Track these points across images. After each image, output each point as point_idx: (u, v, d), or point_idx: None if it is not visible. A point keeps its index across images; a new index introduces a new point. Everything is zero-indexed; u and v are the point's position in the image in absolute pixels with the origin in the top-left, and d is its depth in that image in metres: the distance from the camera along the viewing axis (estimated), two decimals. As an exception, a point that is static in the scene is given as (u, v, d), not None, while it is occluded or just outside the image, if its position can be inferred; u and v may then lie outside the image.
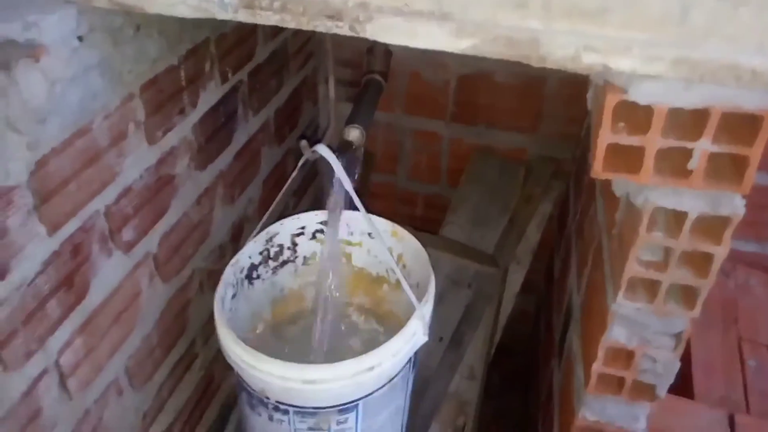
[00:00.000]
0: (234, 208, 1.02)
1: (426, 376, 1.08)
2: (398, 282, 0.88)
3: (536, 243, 1.18)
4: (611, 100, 0.52)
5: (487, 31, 0.52)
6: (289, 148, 1.21)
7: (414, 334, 0.72)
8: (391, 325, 0.94)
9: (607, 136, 0.54)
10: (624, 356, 0.68)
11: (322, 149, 0.69)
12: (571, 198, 1.12)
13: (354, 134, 0.78)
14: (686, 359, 0.92)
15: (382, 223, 0.85)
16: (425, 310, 0.75)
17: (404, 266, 0.86)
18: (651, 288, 0.61)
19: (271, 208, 0.81)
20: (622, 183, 0.64)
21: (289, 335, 0.93)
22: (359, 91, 0.90)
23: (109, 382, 0.76)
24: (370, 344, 0.81)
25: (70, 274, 0.66)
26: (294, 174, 0.78)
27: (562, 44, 0.51)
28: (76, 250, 0.67)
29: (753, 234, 1.08)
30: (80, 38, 0.62)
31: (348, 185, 0.71)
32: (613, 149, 0.54)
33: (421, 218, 1.44)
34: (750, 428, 0.80)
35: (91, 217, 0.68)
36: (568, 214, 1.13)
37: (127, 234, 0.75)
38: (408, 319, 0.73)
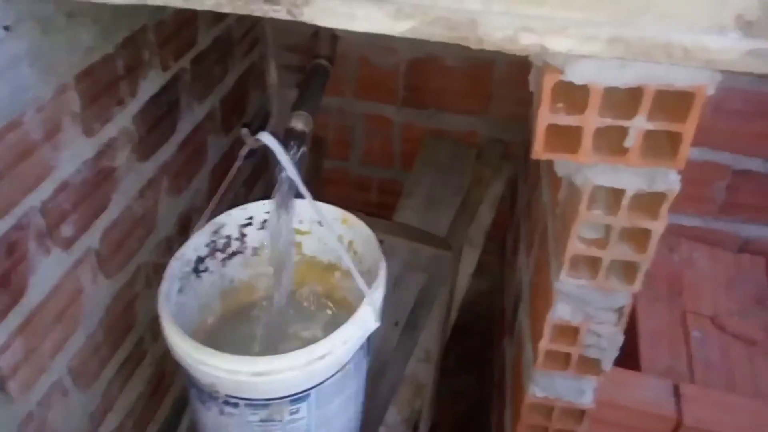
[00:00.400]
0: (180, 199, 1.00)
1: (383, 360, 1.08)
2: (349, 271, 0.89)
3: (489, 224, 1.19)
4: (549, 81, 0.53)
5: (425, 12, 0.52)
6: (237, 137, 1.18)
7: (365, 321, 0.72)
8: (344, 312, 0.94)
9: (546, 116, 0.54)
10: (569, 332, 0.69)
11: (265, 137, 0.67)
12: (520, 179, 1.13)
13: (299, 121, 0.77)
14: (632, 332, 0.94)
15: (332, 211, 0.85)
16: (375, 295, 0.75)
17: (355, 253, 0.86)
18: (593, 265, 0.62)
19: (214, 199, 0.80)
20: (563, 163, 0.65)
21: (241, 327, 0.92)
22: (305, 77, 0.89)
23: (52, 383, 0.74)
24: (324, 333, 0.81)
25: (5, 274, 0.64)
26: (237, 164, 0.77)
27: (499, 25, 0.51)
28: (11, 249, 0.64)
29: (696, 209, 1.12)
30: (6, 28, 0.59)
31: (293, 173, 0.70)
32: (553, 130, 0.55)
33: (376, 204, 1.44)
34: (694, 397, 0.83)
35: (26, 214, 0.66)
36: (518, 195, 1.14)
37: (66, 230, 0.73)
38: (356, 300, 0.72)
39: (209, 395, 0.70)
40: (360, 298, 0.79)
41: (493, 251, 1.37)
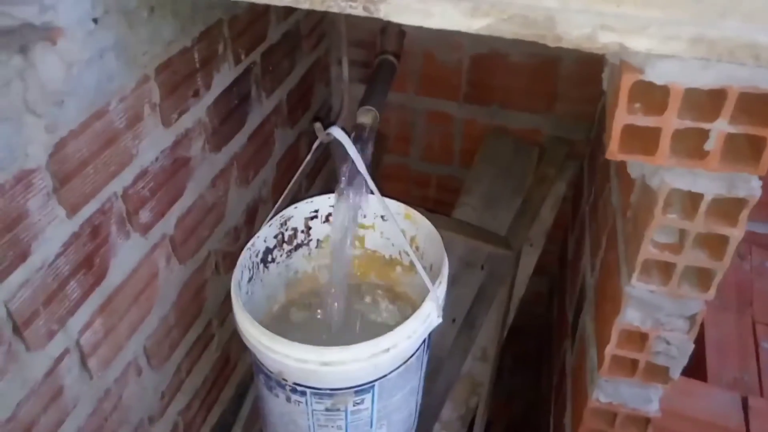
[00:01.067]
0: (248, 190, 1.02)
1: (439, 357, 1.09)
2: (411, 264, 0.89)
3: (550, 225, 1.18)
4: (627, 80, 0.52)
5: (502, 10, 0.52)
6: (302, 130, 1.21)
7: (428, 316, 0.73)
8: (404, 307, 0.95)
9: (622, 116, 0.53)
10: (638, 338, 0.68)
11: (336, 131, 0.69)
12: (585, 179, 1.11)
13: (367, 116, 0.78)
14: (700, 341, 0.91)
15: (395, 206, 0.86)
16: (439, 291, 0.75)
17: (417, 248, 0.87)
18: (665, 270, 0.61)
19: (286, 192, 0.82)
20: (637, 164, 0.64)
21: (303, 317, 0.94)
22: (372, 72, 0.90)
23: (128, 362, 0.78)
24: (384, 327, 0.82)
25: (89, 256, 0.67)
26: (309, 157, 0.78)
27: (578, 23, 0.50)
28: (95, 232, 0.68)
29: (769, 216, 1.07)
30: (95, 20, 0.62)
31: (362, 168, 0.71)
32: (629, 130, 0.54)
33: (434, 200, 1.44)
34: (764, 411, 0.80)
35: (109, 199, 0.69)
36: (582, 196, 1.13)
37: (144, 216, 0.76)
38: (422, 301, 0.73)
39: (277, 382, 0.72)
40: (420, 293, 0.80)
41: (552, 252, 1.35)
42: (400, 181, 1.43)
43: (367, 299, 0.97)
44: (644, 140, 0.54)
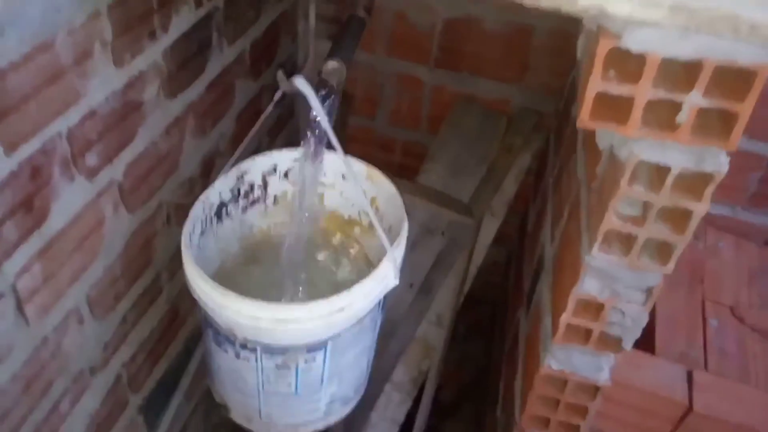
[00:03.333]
0: (205, 141, 0.98)
1: (394, 319, 1.08)
2: (371, 225, 0.88)
3: (512, 195, 1.17)
4: (604, 46, 0.50)
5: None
6: (265, 83, 1.17)
7: (385, 277, 0.71)
8: (362, 267, 0.93)
9: (596, 83, 0.52)
10: (594, 308, 0.68)
11: (300, 81, 0.65)
12: (550, 152, 1.11)
13: (333, 69, 0.75)
14: (651, 315, 0.93)
15: (358, 165, 0.83)
16: (397, 253, 0.74)
17: (377, 209, 0.85)
18: (627, 242, 0.61)
19: (243, 143, 0.78)
20: (606, 135, 0.63)
21: (256, 273, 0.91)
22: (340, 27, 0.86)
23: (68, 310, 0.74)
24: (340, 286, 0.80)
25: (28, 197, 0.63)
26: (270, 108, 0.75)
27: (559, -18, 0.48)
28: (36, 173, 0.63)
29: (726, 197, 1.09)
30: (41, -57, 0.57)
31: (325, 122, 0.68)
32: (602, 98, 0.52)
33: (399, 165, 1.42)
34: (707, 385, 0.82)
35: (52, 138, 0.65)
36: (546, 168, 1.12)
37: (91, 159, 0.72)
38: (379, 262, 0.71)
39: (226, 338, 0.70)
40: (378, 255, 0.79)
41: (512, 223, 1.35)
42: (365, 144, 1.40)
43: (323, 257, 0.95)
44: (616, 109, 0.53)
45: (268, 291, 0.90)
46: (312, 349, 0.71)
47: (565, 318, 0.69)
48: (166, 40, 0.81)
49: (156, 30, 0.79)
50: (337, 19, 1.23)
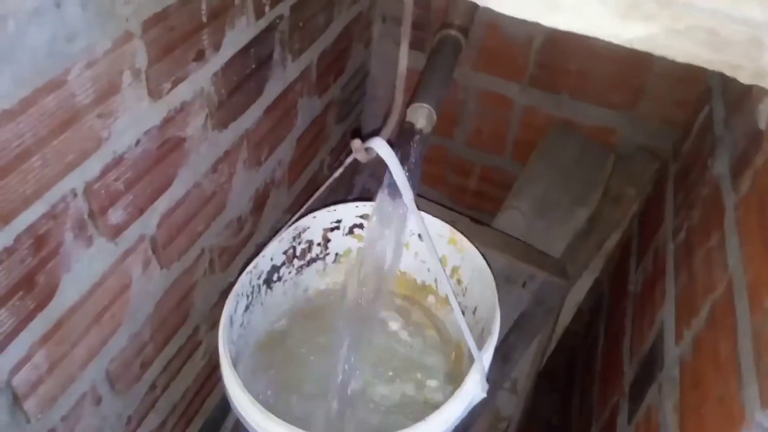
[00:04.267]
0: (259, 173, 0.84)
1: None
2: (446, 297, 0.72)
3: (612, 248, 0.99)
4: None
5: (675, 15, 0.32)
6: (331, 99, 1.01)
7: (471, 394, 0.56)
8: (431, 339, 0.78)
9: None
10: (750, 466, 0.50)
11: (379, 146, 0.50)
12: (668, 202, 0.91)
13: (421, 116, 0.58)
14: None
15: (440, 226, 0.67)
16: (486, 358, 0.58)
17: (459, 282, 0.69)
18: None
19: (304, 208, 0.63)
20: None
21: (314, 335, 0.77)
22: (431, 53, 0.69)
23: (82, 393, 0.62)
24: (406, 359, 0.65)
25: (29, 275, 0.50)
26: (338, 172, 0.60)
27: (803, 53, 0.31)
28: (40, 243, 0.50)
29: None
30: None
31: (408, 194, 0.52)
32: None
33: (474, 192, 1.25)
34: None
35: (63, 198, 0.51)
36: (661, 219, 0.93)
37: (115, 216, 0.58)
38: (454, 334, 0.55)
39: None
40: (454, 326, 0.63)
41: (603, 268, 1.16)
42: (438, 164, 1.23)
43: (391, 325, 0.80)
44: None
45: (322, 361, 0.77)
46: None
47: (709, 471, 0.52)
48: (216, 60, 0.67)
49: (205, 49, 0.64)
50: (420, 25, 1.06)
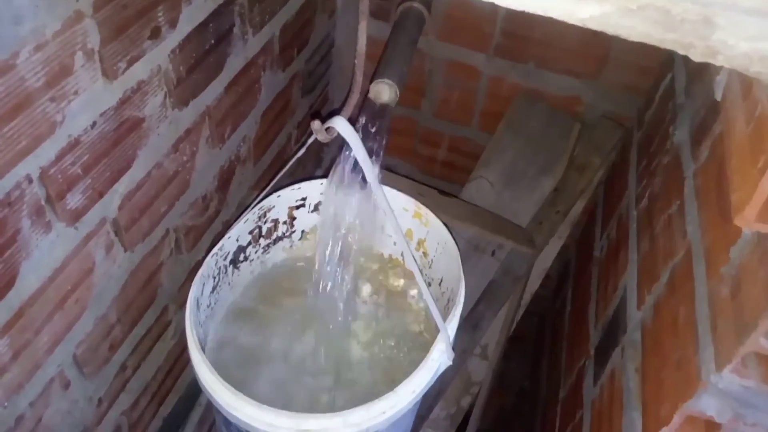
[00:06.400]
0: (223, 150, 0.83)
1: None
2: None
3: (578, 214, 1.00)
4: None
5: (628, -7, 0.32)
6: (295, 71, 1.00)
7: (437, 362, 0.57)
8: (396, 303, 0.78)
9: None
10: (705, 426, 0.53)
11: (340, 125, 0.49)
12: (631, 170, 0.93)
13: (384, 92, 0.58)
14: None
15: (404, 201, 0.67)
16: (451, 328, 0.59)
17: (425, 254, 0.69)
18: (777, 371, 0.45)
19: (267, 189, 0.63)
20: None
21: (281, 311, 0.77)
22: (394, 26, 0.69)
23: (49, 379, 0.61)
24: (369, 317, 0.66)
25: (-15, 265, 0.49)
26: (299, 153, 0.59)
27: (750, 33, 0.31)
28: (-5, 232, 0.49)
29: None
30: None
31: (370, 172, 0.52)
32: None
33: (443, 162, 1.25)
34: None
35: (18, 185, 0.50)
36: (624, 187, 0.94)
37: (74, 200, 0.57)
38: (418, 296, 0.56)
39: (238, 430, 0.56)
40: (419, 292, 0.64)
41: (570, 234, 1.18)
42: (407, 136, 1.23)
43: (352, 289, 0.80)
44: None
45: (293, 327, 0.77)
46: (343, 449, 0.57)
47: None
48: (174, 37, 0.65)
49: (161, 27, 0.62)
50: (383, -6, 1.05)
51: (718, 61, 0.32)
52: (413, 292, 0.75)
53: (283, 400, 0.66)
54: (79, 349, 0.64)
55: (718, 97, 0.47)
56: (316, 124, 0.53)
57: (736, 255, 0.50)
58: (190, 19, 0.66)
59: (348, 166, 0.61)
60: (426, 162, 1.27)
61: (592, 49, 1.00)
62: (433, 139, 1.22)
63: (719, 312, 0.50)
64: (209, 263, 0.59)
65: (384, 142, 0.59)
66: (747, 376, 0.46)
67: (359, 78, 0.54)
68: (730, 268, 0.50)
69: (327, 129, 0.52)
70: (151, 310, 0.76)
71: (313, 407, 0.65)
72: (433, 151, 1.24)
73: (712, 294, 0.52)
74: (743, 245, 0.49)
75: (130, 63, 0.59)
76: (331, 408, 0.63)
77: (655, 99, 0.92)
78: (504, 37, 1.04)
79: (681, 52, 0.32)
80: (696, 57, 0.32)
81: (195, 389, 0.95)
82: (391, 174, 0.94)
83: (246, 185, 0.92)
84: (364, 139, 0.56)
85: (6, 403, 0.56)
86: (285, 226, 0.70)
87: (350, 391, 0.70)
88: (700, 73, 0.73)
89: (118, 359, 0.72)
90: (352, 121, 0.52)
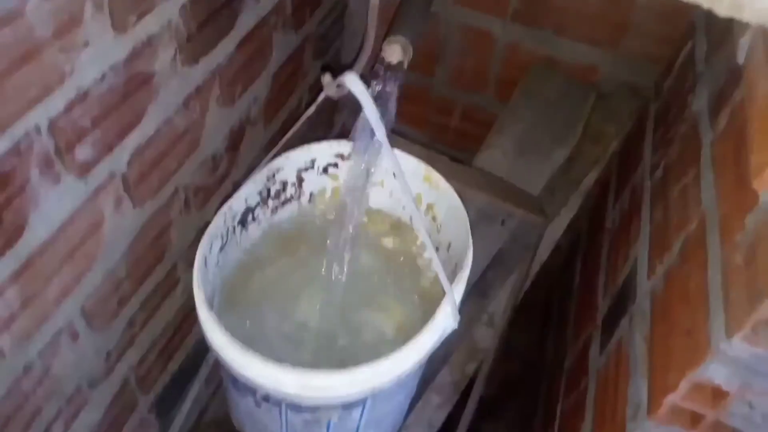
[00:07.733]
0: (233, 110, 0.82)
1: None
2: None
3: (591, 185, 0.99)
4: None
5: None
6: (308, 33, 0.98)
7: (443, 325, 0.57)
8: (403, 267, 0.78)
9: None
10: (713, 394, 0.52)
11: (352, 82, 0.48)
12: (647, 140, 0.91)
13: (397, 50, 0.57)
14: None
15: (414, 165, 0.67)
16: (457, 290, 0.58)
17: (434, 219, 0.69)
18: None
19: (277, 146, 0.62)
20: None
21: (288, 276, 0.77)
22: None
23: (58, 329, 0.62)
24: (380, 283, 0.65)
25: (-5, 213, 0.49)
26: (310, 111, 0.58)
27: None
28: (4, 181, 0.49)
29: None
30: None
31: (380, 131, 0.51)
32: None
33: (456, 130, 1.24)
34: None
35: (27, 135, 0.50)
36: (639, 157, 0.93)
37: (83, 153, 0.57)
38: (426, 260, 0.56)
39: (247, 388, 0.57)
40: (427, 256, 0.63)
41: (581, 206, 1.17)
42: (419, 104, 1.22)
43: (365, 258, 0.80)
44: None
45: (301, 294, 0.77)
46: (348, 406, 0.57)
47: (673, 398, 0.54)
48: (185, -9, 0.64)
49: (171, -21, 0.61)
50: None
51: (744, 16, 0.31)
52: (424, 255, 0.75)
53: (290, 356, 0.67)
54: (88, 303, 0.65)
55: (741, 60, 0.46)
56: (326, 78, 0.52)
57: (751, 223, 0.49)
58: (201, -28, 0.65)
59: (363, 126, 0.61)
60: (438, 130, 1.26)
61: (612, 16, 0.98)
62: (446, 107, 1.21)
63: (732, 280, 0.49)
64: (218, 222, 0.59)
65: (396, 101, 0.58)
66: (757, 344, 0.46)
67: (372, 33, 0.53)
68: (745, 235, 0.49)
69: (337, 85, 0.52)
70: (160, 267, 0.76)
71: (319, 363, 0.66)
72: (446, 119, 1.23)
73: (725, 262, 0.52)
74: (759, 213, 0.48)
75: (140, 16, 0.58)
76: (339, 365, 0.64)
77: (674, 68, 0.90)
78: (521, 2, 1.02)
79: (705, 5, 0.31)
80: (721, 11, 0.31)
81: (203, 347, 0.97)
82: (401, 140, 0.93)
83: (257, 147, 0.92)
84: (376, 98, 0.55)
85: (15, 350, 0.56)
86: (293, 188, 0.69)
87: (356, 350, 0.71)
88: (722, 40, 0.71)
89: (126, 314, 0.73)
90: (364, 78, 0.51)
